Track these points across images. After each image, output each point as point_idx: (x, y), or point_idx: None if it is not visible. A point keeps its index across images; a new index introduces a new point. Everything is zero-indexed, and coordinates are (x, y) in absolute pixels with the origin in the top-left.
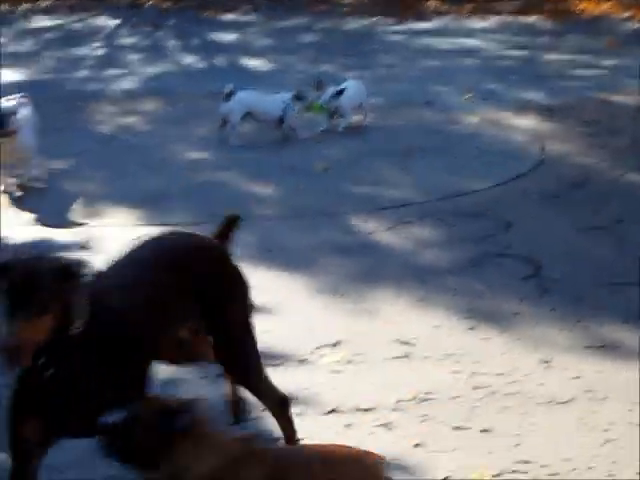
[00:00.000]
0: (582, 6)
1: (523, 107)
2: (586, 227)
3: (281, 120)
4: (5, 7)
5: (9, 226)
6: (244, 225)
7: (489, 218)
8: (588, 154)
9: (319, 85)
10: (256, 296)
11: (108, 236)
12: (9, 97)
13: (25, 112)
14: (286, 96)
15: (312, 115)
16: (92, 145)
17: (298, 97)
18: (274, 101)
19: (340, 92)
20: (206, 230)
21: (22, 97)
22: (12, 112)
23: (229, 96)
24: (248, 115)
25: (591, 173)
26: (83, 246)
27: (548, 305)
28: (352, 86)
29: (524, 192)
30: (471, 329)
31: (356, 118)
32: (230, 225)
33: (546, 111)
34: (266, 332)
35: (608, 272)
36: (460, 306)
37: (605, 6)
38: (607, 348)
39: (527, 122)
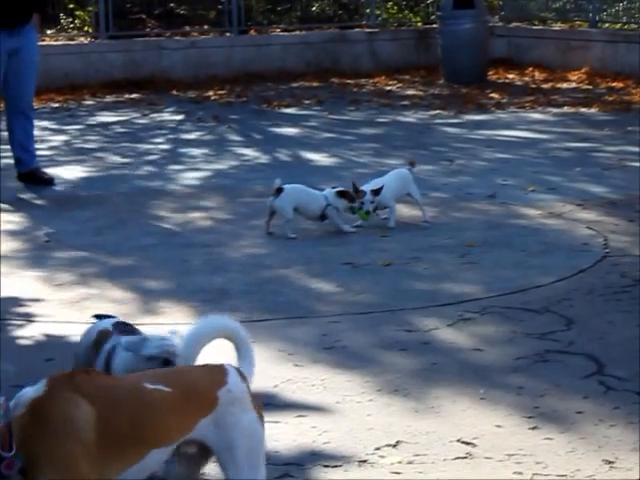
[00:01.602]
0: None
1: (586, 200)
2: None
3: (322, 217)
4: (70, 103)
5: (71, 323)
6: (305, 323)
7: (551, 314)
8: None
9: (355, 189)
10: (315, 395)
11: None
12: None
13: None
14: (330, 193)
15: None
16: (154, 241)
17: (342, 194)
18: (316, 198)
19: (377, 192)
20: (267, 327)
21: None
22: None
23: (279, 192)
24: (295, 210)
25: None
26: None
27: (611, 404)
28: (392, 178)
29: (587, 287)
30: (533, 428)
31: (412, 213)
32: None
33: (609, 204)
34: (325, 432)
35: None
36: (522, 405)
37: None
38: None
39: (590, 216)
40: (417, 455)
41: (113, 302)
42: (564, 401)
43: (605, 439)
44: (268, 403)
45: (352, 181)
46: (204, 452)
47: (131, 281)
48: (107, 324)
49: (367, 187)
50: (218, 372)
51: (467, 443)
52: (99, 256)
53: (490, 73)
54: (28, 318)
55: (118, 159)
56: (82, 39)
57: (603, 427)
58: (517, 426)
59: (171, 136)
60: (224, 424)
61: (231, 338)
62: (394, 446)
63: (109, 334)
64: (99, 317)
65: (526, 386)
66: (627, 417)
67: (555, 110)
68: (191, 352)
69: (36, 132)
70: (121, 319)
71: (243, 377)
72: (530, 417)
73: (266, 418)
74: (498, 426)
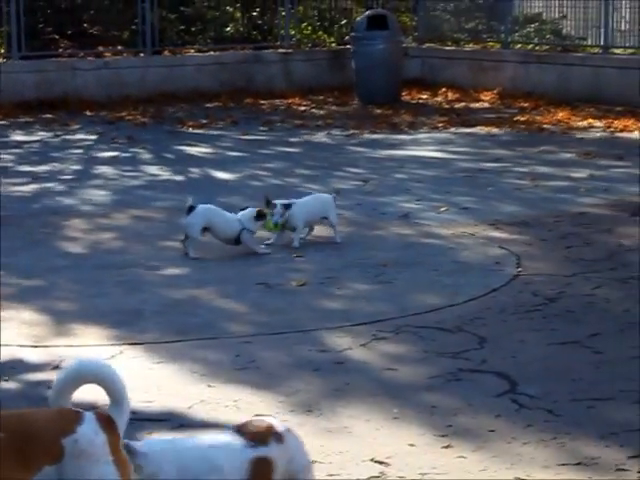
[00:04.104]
0: (555, 117)
1: (498, 220)
2: (562, 342)
3: (237, 241)
4: None
5: None
6: (218, 343)
7: (464, 333)
8: (563, 267)
9: (268, 203)
10: (229, 415)
11: (82, 356)
12: None
13: None
14: (246, 215)
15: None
16: (66, 262)
17: (259, 216)
18: (231, 221)
19: (288, 206)
20: (180, 348)
21: None
22: None
23: (190, 210)
24: (206, 230)
25: (566, 287)
26: (57, 366)
27: (524, 422)
28: (310, 201)
29: (499, 306)
30: (446, 447)
31: (326, 233)
32: None
33: (521, 224)
34: None
35: (584, 387)
36: (435, 423)
37: (578, 117)
38: (583, 465)
39: (503, 235)
40: (331, 475)
41: (25, 324)
42: (477, 419)
43: (518, 457)
44: (182, 424)
45: (265, 195)
46: None
47: (43, 303)
48: None
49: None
50: (69, 419)
51: (380, 462)
52: (10, 278)
53: (404, 93)
54: None
55: (30, 179)
56: None
57: (516, 445)
58: (430, 445)
59: (84, 156)
60: (69, 477)
61: (100, 383)
62: None
63: None
64: None
65: (439, 405)
66: (539, 435)
67: (468, 130)
68: (57, 402)
69: None
70: None
71: (107, 426)
72: (443, 436)
73: None
74: (411, 445)
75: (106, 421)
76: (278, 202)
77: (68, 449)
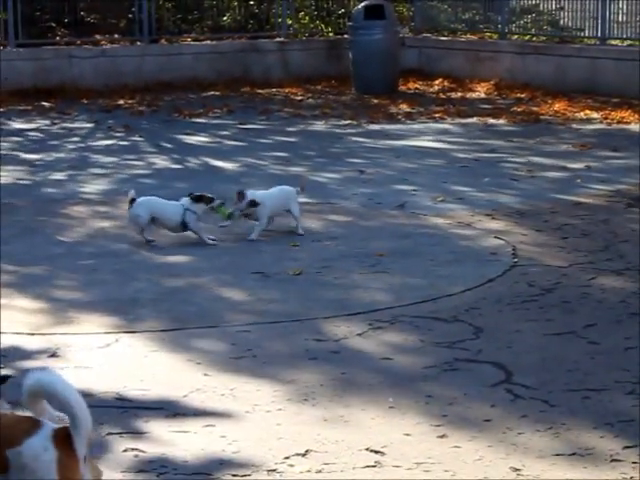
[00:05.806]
0: (552, 108)
1: (495, 210)
2: (558, 332)
3: (184, 225)
4: None
5: None
6: (214, 332)
7: (460, 323)
8: (559, 258)
9: (240, 197)
10: (225, 404)
11: (78, 344)
12: None
13: None
14: (186, 200)
15: (218, 215)
16: (64, 250)
17: (198, 199)
18: (174, 207)
19: (255, 204)
20: (176, 337)
21: None
22: None
23: (132, 202)
24: (152, 220)
25: (562, 277)
26: (53, 354)
27: (519, 412)
28: (274, 196)
29: (495, 297)
30: (442, 436)
31: (322, 222)
32: None
33: (517, 214)
34: (234, 441)
35: (580, 378)
36: (431, 413)
37: (575, 108)
38: (578, 455)
39: (499, 225)
40: (326, 464)
41: (22, 312)
42: (472, 409)
43: (513, 447)
44: (177, 412)
45: (240, 191)
46: None
47: (40, 291)
48: None
49: (251, 193)
50: (22, 429)
51: (376, 452)
52: (7, 265)
53: (400, 84)
54: None
55: (27, 167)
56: None
57: (511, 435)
58: (425, 434)
59: (81, 144)
60: None
61: (49, 399)
62: (303, 455)
63: None
64: None
65: (435, 394)
66: (534, 425)
67: (464, 121)
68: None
69: None
70: None
71: (61, 443)
72: (438, 425)
73: (175, 427)
74: (407, 434)
75: (62, 438)
76: (250, 194)
77: (12, 461)
